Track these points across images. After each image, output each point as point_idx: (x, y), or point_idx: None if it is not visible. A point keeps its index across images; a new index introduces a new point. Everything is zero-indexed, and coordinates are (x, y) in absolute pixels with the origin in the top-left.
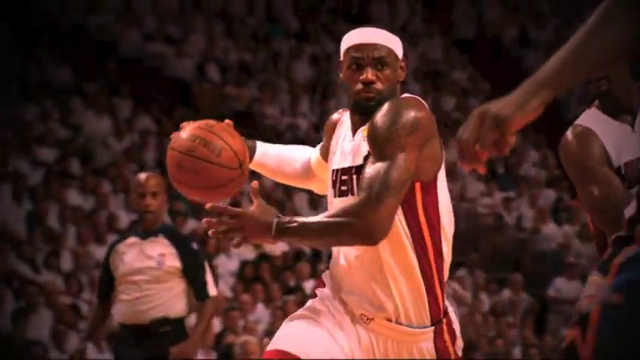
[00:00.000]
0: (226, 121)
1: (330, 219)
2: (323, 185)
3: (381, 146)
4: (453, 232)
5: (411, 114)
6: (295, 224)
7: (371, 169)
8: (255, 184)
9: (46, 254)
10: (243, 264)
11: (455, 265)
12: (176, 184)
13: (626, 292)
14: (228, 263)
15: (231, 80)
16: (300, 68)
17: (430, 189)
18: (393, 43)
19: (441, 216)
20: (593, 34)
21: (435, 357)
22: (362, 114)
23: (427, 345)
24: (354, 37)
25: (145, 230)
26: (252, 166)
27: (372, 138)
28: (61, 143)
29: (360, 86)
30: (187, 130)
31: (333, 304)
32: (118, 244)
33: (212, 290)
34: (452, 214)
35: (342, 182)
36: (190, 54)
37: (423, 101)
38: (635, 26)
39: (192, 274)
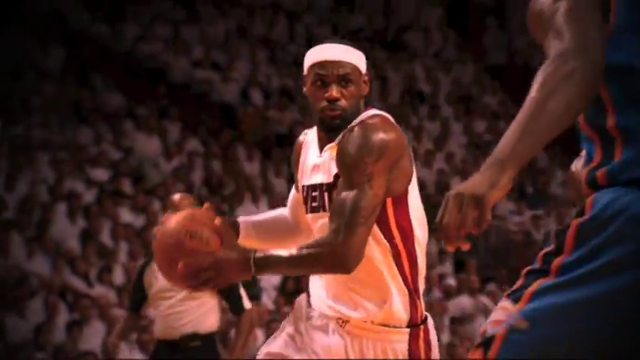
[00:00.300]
0: (205, 205)
1: (305, 251)
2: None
3: (349, 173)
4: (426, 238)
5: (378, 138)
6: (272, 258)
7: (341, 198)
8: (219, 220)
9: (99, 269)
10: (285, 277)
11: (485, 280)
12: (170, 279)
13: (533, 319)
14: (270, 277)
15: (274, 104)
16: None
17: (401, 202)
18: (356, 58)
19: (414, 225)
20: (540, 107)
21: (406, 357)
22: (327, 131)
23: (401, 347)
24: (318, 53)
25: None
26: (239, 242)
27: (341, 165)
28: (114, 164)
29: (324, 103)
30: (171, 225)
31: (298, 326)
32: (152, 262)
33: (247, 304)
34: (425, 221)
35: (313, 198)
36: (235, 79)
37: (390, 119)
38: (576, 94)
39: (227, 290)
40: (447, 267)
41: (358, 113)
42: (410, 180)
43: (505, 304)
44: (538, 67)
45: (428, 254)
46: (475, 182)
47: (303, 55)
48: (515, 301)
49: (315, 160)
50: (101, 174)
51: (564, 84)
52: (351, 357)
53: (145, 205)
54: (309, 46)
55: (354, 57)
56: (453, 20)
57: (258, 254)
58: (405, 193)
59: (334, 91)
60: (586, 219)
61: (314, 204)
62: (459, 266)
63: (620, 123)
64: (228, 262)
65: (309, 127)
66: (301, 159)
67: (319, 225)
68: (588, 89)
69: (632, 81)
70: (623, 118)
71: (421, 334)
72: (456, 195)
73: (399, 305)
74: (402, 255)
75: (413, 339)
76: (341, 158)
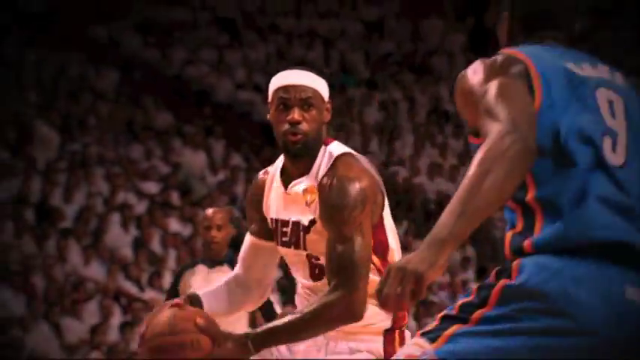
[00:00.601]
0: (175, 301)
1: (311, 314)
2: (262, 289)
3: (339, 228)
4: (399, 249)
5: (358, 189)
6: (270, 334)
7: (337, 253)
8: (200, 321)
9: (149, 274)
10: None
11: None
12: None
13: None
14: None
15: None
16: (371, 113)
17: (378, 226)
18: (319, 85)
19: (390, 241)
20: (476, 187)
21: (382, 356)
22: (291, 156)
23: (377, 346)
24: (283, 78)
25: (211, 259)
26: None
27: (329, 221)
28: (163, 178)
29: (286, 126)
30: (158, 341)
31: None
32: (187, 270)
33: (278, 308)
34: (396, 232)
35: (283, 233)
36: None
37: (357, 157)
38: (511, 172)
39: None
40: (470, 274)
41: (320, 140)
42: (383, 207)
43: (420, 341)
44: None
45: (452, 262)
46: (417, 259)
47: (337, 78)
48: (432, 340)
49: (283, 196)
50: (152, 187)
51: (499, 163)
52: (323, 354)
53: (191, 215)
54: (343, 69)
55: (316, 83)
56: (475, 46)
57: (254, 335)
58: (381, 219)
59: (296, 114)
60: (512, 283)
61: (284, 238)
62: (481, 273)
63: (541, 196)
64: (227, 356)
65: (344, 143)
66: (265, 194)
67: (291, 258)
68: (522, 167)
69: (551, 157)
70: (543, 191)
71: (396, 337)
72: (398, 269)
73: (378, 313)
74: (382, 270)
75: (388, 342)
76: (328, 216)
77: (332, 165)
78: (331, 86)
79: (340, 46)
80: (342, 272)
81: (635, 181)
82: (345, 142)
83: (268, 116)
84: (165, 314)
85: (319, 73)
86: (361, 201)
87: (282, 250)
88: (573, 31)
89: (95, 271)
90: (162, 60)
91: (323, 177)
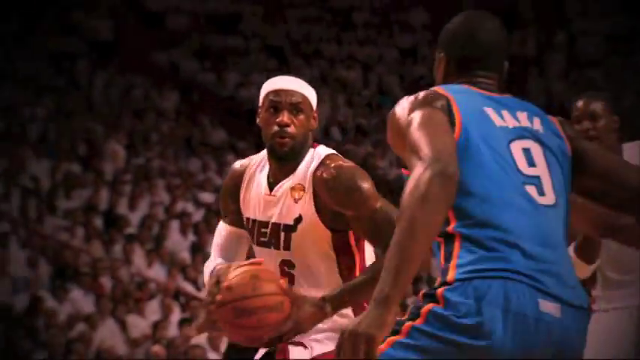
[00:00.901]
0: (255, 260)
1: (372, 274)
2: None
3: (364, 206)
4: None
5: (358, 170)
6: (345, 294)
7: (375, 225)
8: (283, 283)
9: None
10: None
11: None
12: (248, 345)
13: None
14: None
15: (350, 140)
16: None
17: None
18: (308, 92)
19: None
20: (407, 234)
21: None
22: (277, 159)
23: None
24: (274, 83)
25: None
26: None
27: (347, 204)
28: (218, 189)
29: (275, 129)
30: (240, 303)
31: None
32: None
33: None
34: None
35: (262, 234)
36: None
37: (340, 155)
38: (436, 208)
39: None
40: None
41: (306, 145)
42: None
43: None
44: (571, 107)
45: None
46: (366, 323)
47: (375, 99)
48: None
49: (266, 194)
50: (208, 197)
51: (425, 202)
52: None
53: None
54: (380, 91)
55: (306, 90)
56: None
57: (330, 297)
58: None
59: (285, 117)
60: (439, 310)
61: (262, 239)
62: None
63: (458, 228)
64: (306, 320)
65: (380, 158)
66: (242, 189)
67: (265, 259)
68: (448, 198)
69: (467, 192)
70: (460, 224)
71: None
72: (350, 333)
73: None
74: (360, 265)
75: None
76: (345, 200)
77: (322, 161)
78: (369, 106)
79: (378, 70)
80: (386, 237)
81: (563, 216)
82: (382, 157)
83: (258, 120)
84: (244, 273)
85: (358, 94)
86: (370, 184)
87: (258, 250)
88: (503, 72)
89: (157, 272)
90: (218, 83)
91: (316, 171)
